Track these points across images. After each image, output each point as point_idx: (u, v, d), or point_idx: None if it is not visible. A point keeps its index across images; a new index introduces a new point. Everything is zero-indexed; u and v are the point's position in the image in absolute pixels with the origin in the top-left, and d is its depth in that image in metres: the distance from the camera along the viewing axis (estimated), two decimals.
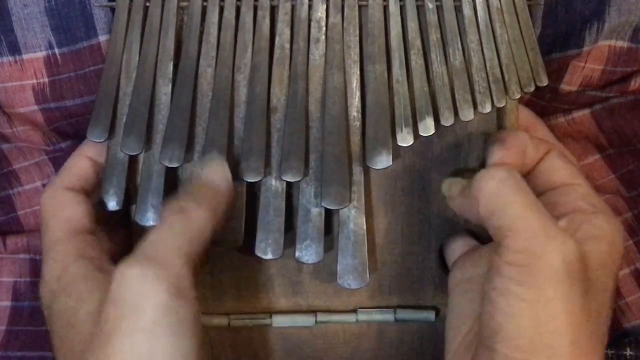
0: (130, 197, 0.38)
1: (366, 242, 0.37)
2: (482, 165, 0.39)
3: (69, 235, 0.34)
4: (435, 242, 0.39)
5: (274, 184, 0.37)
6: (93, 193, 0.37)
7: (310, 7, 0.38)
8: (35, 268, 0.45)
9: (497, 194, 0.31)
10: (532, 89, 0.38)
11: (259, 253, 0.36)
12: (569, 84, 0.45)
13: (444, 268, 0.39)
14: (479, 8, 0.38)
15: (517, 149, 0.36)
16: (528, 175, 0.36)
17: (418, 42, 0.38)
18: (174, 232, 0.31)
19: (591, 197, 0.34)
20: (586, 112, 0.47)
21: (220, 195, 0.34)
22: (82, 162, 0.37)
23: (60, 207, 0.35)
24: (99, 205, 0.37)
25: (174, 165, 0.36)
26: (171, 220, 0.32)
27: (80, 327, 0.31)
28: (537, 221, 0.30)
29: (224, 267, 0.39)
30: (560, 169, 0.35)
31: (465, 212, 0.34)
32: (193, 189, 0.34)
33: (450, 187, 0.36)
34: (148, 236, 0.31)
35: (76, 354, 0.31)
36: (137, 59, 0.38)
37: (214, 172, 0.34)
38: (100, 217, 0.37)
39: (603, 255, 0.32)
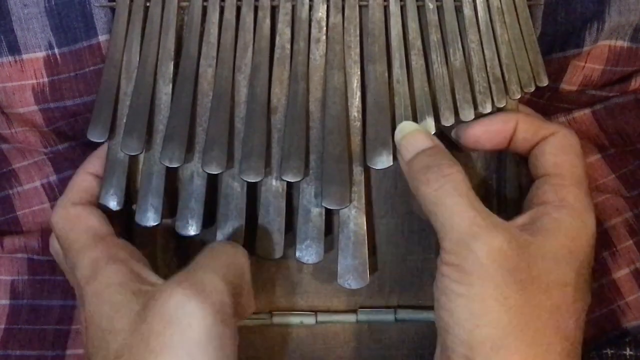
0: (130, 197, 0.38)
1: (366, 242, 0.37)
2: (483, 165, 0.39)
3: (93, 241, 0.34)
4: (435, 242, 0.39)
5: (274, 184, 0.37)
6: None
7: (310, 7, 0.38)
8: (33, 267, 0.45)
9: (431, 197, 0.33)
10: (533, 88, 0.38)
11: (259, 253, 0.36)
12: (569, 84, 0.45)
13: None
14: (479, 8, 0.38)
15: (495, 130, 0.36)
16: (529, 154, 0.37)
17: (418, 42, 0.38)
18: (220, 262, 0.33)
19: (562, 189, 0.34)
20: (587, 111, 0.47)
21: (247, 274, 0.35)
22: (85, 179, 0.37)
23: (76, 221, 0.35)
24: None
25: (175, 165, 0.36)
26: (217, 250, 0.33)
27: (116, 335, 0.31)
28: (464, 220, 0.32)
29: None
30: (546, 155, 0.35)
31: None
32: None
33: (399, 136, 0.37)
34: (197, 260, 0.33)
35: (110, 359, 0.31)
36: (138, 59, 0.38)
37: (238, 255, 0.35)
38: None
39: (557, 249, 0.32)
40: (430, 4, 0.38)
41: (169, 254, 0.39)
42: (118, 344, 0.31)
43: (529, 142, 0.36)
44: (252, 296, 0.35)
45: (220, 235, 0.36)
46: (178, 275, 0.32)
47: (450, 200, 0.32)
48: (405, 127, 0.36)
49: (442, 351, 0.32)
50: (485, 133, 0.36)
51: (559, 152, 0.35)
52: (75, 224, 0.35)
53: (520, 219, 0.34)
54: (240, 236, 0.37)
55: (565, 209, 0.33)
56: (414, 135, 0.35)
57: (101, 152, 0.38)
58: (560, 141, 0.35)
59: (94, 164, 0.38)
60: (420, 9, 0.38)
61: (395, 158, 0.36)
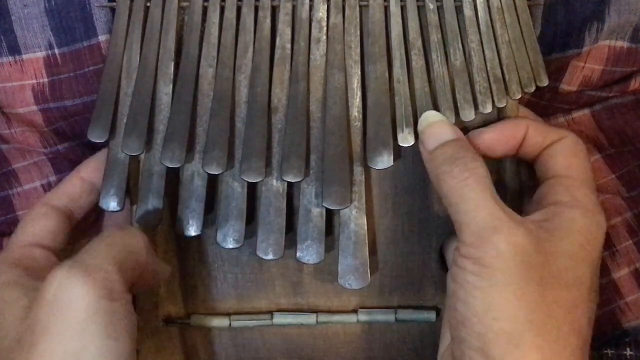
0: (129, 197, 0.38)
1: (367, 242, 0.37)
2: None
3: (17, 246, 0.36)
4: (435, 242, 0.40)
5: (275, 185, 0.37)
6: (80, 211, 0.39)
7: (311, 7, 0.38)
8: None
9: (455, 189, 0.33)
10: (533, 89, 0.38)
11: (260, 253, 0.36)
12: (569, 84, 0.45)
13: (444, 268, 0.39)
14: (479, 8, 0.38)
15: (508, 135, 0.36)
16: (535, 160, 0.37)
17: (419, 42, 0.38)
18: (108, 242, 0.32)
19: (575, 190, 0.34)
20: (586, 112, 0.47)
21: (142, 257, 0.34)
22: (73, 182, 0.38)
23: (27, 220, 0.37)
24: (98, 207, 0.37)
25: (175, 165, 0.36)
26: (108, 233, 0.33)
27: (7, 330, 0.31)
28: (487, 214, 0.32)
29: (224, 267, 0.39)
30: (558, 157, 0.36)
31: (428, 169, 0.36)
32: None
33: (423, 124, 0.36)
34: (83, 249, 0.32)
35: (2, 355, 0.31)
36: (138, 59, 0.38)
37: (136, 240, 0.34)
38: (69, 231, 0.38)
39: (574, 247, 0.32)
40: (430, 4, 0.38)
41: (169, 254, 0.39)
42: (9, 339, 0.31)
43: (538, 147, 0.36)
44: (159, 264, 0.35)
45: (220, 235, 0.36)
46: (61, 264, 0.31)
47: (473, 193, 0.32)
48: (430, 116, 0.36)
49: (456, 344, 0.32)
50: (497, 139, 0.36)
51: (570, 154, 0.36)
52: (23, 224, 0.37)
53: (534, 217, 0.34)
54: (241, 237, 0.37)
55: (580, 208, 0.33)
56: (439, 126, 0.36)
57: (100, 156, 0.39)
58: (570, 145, 0.36)
59: (89, 167, 0.39)
60: (421, 9, 0.38)
61: (395, 158, 0.36)
